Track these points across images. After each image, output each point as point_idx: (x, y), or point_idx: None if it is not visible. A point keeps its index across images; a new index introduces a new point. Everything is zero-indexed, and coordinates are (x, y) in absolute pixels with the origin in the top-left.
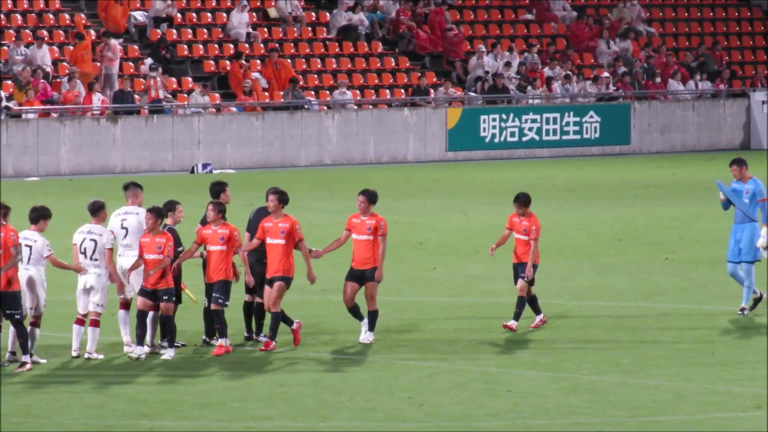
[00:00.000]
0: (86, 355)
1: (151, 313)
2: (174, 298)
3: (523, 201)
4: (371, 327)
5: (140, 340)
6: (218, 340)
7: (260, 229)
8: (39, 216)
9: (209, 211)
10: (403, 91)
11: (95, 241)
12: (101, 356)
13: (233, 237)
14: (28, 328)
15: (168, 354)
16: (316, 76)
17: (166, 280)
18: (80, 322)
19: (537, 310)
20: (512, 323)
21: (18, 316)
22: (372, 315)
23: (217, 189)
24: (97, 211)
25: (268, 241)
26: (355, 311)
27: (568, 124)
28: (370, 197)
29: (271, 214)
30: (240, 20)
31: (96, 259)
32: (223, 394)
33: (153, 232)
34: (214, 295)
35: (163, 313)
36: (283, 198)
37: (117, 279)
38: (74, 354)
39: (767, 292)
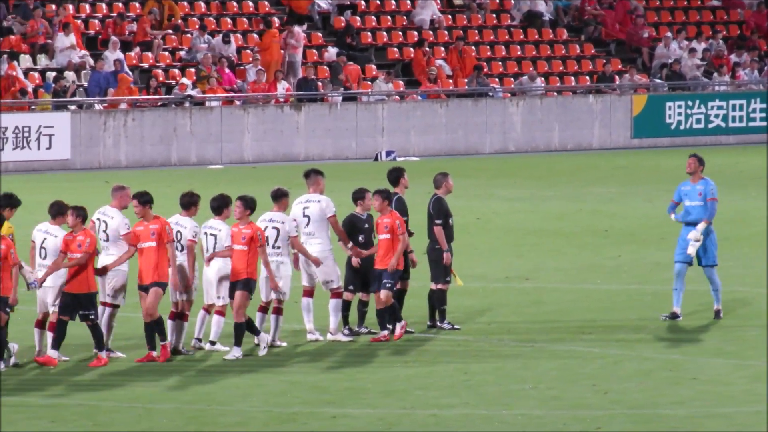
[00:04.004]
0: (269, 343)
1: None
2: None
3: (385, 195)
4: (237, 341)
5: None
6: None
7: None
8: (221, 205)
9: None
10: (588, 78)
11: (277, 229)
12: (284, 344)
13: (92, 243)
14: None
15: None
16: (500, 63)
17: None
18: (263, 309)
19: (398, 318)
20: (384, 333)
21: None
22: (237, 328)
23: (396, 175)
24: (280, 198)
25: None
26: (249, 325)
27: (754, 110)
28: (247, 203)
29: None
30: (425, 8)
31: (278, 247)
32: (406, 381)
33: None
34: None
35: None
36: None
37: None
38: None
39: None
